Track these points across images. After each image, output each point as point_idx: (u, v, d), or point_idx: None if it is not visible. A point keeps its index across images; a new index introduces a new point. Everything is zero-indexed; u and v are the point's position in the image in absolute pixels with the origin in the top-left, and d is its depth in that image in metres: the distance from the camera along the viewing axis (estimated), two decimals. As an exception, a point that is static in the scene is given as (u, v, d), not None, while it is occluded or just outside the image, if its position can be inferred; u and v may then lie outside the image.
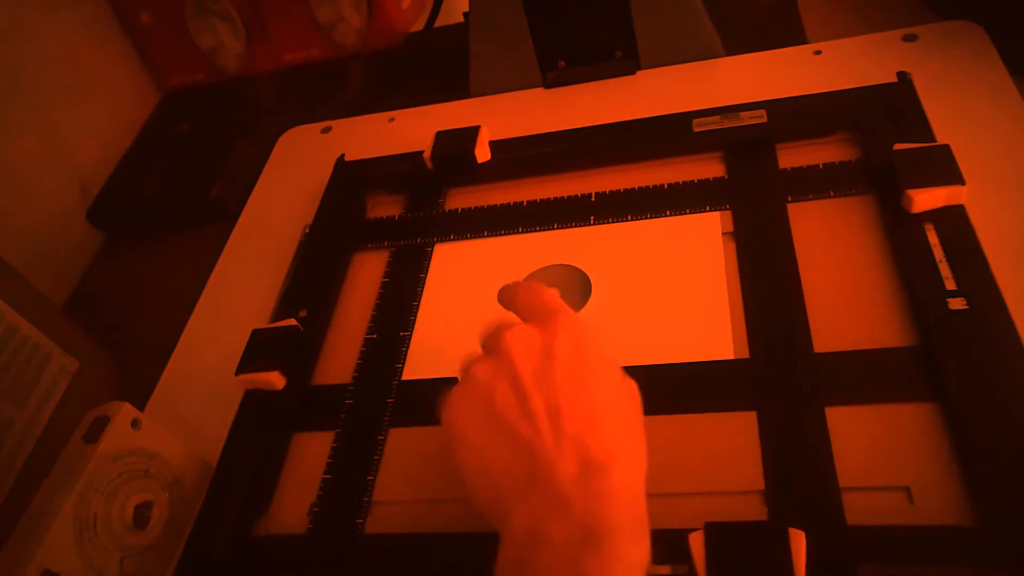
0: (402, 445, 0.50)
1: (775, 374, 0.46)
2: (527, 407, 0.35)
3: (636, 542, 0.33)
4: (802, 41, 0.71)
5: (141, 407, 0.58)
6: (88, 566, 0.43)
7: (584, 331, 0.38)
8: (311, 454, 0.51)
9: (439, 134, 0.65)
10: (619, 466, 0.34)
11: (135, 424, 0.48)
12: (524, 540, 0.33)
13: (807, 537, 0.37)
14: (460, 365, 0.40)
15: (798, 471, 0.42)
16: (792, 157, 0.58)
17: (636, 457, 0.36)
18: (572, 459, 0.34)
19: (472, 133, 0.64)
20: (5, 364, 0.60)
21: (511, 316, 0.41)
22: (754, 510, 0.42)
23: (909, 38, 0.64)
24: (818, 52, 0.66)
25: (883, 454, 0.42)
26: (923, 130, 0.54)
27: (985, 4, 0.63)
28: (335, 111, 0.81)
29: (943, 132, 0.54)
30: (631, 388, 0.38)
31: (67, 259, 0.84)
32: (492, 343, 0.39)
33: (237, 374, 0.54)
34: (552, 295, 0.40)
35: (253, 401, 0.54)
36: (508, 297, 0.43)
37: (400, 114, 0.76)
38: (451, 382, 0.52)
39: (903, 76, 0.59)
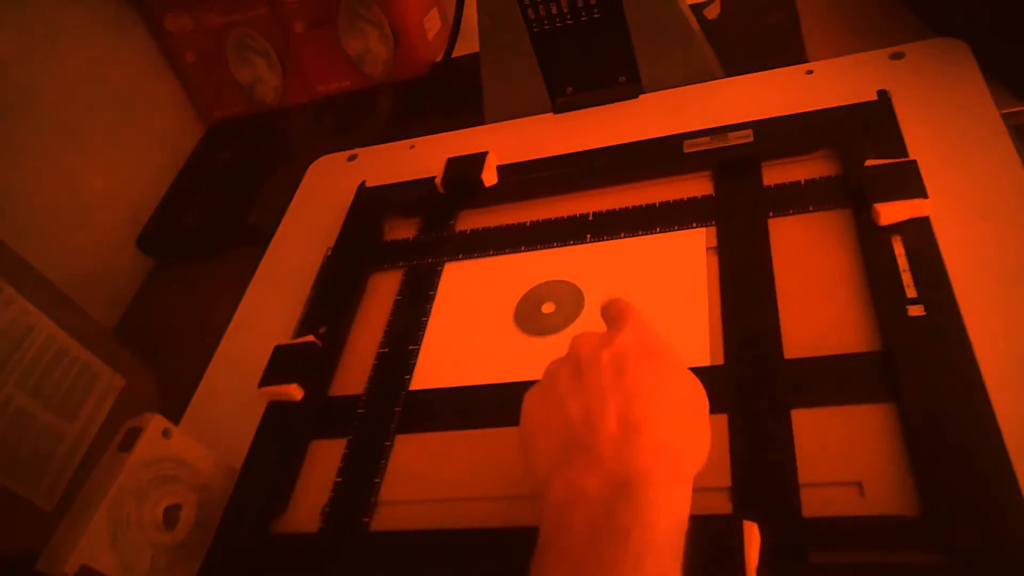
0: (407, 450, 0.55)
1: (746, 379, 0.49)
2: (580, 385, 0.39)
3: (671, 489, 0.36)
4: (803, 60, 0.74)
5: (180, 418, 0.64)
6: (121, 562, 0.48)
7: (648, 330, 0.42)
8: (325, 459, 0.56)
9: (450, 160, 0.70)
10: (658, 424, 0.37)
11: (166, 434, 0.53)
12: (562, 500, 0.36)
13: (765, 528, 0.41)
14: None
15: (762, 469, 0.45)
16: (777, 174, 0.61)
17: (684, 425, 0.39)
18: (612, 421, 0.37)
19: (480, 159, 0.68)
20: (56, 383, 0.66)
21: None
22: (720, 505, 0.45)
23: (896, 56, 0.66)
24: (810, 72, 0.69)
25: (840, 452, 0.45)
26: (897, 146, 0.57)
27: (975, 21, 0.65)
28: (363, 138, 0.86)
29: (919, 148, 0.57)
30: (692, 379, 0.41)
31: (119, 283, 0.91)
32: None
33: (260, 387, 0.59)
34: (623, 304, 0.44)
35: (274, 411, 0.59)
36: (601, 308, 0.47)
37: (420, 141, 0.80)
38: (453, 391, 0.57)
39: (882, 94, 0.61)
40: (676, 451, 0.37)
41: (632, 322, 0.42)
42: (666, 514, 0.35)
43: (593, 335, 0.42)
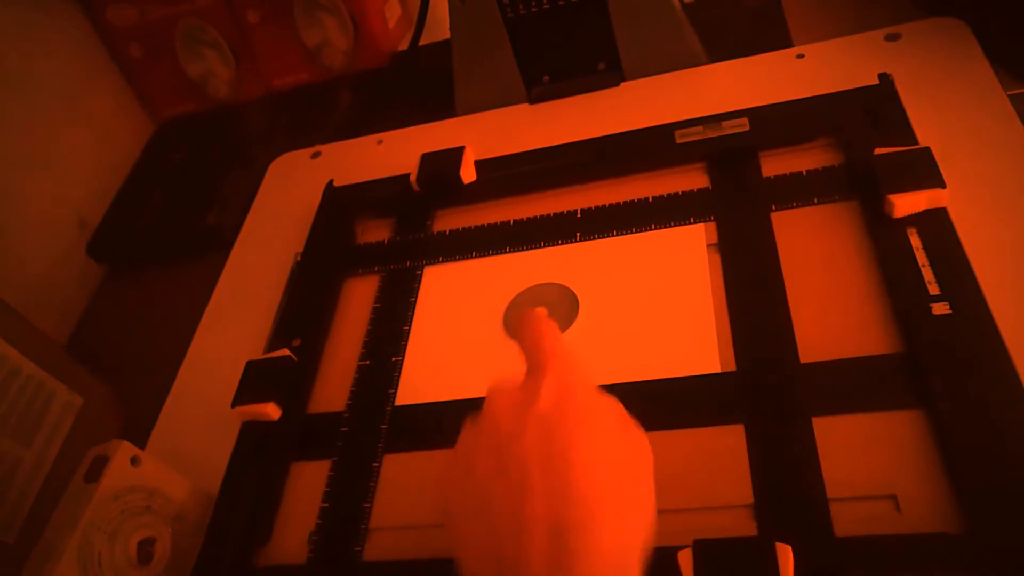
0: (397, 471, 0.51)
1: (762, 387, 0.46)
2: (503, 471, 0.34)
3: None
4: (788, 44, 0.71)
5: (146, 439, 0.59)
6: (93, 605, 0.44)
7: (574, 376, 0.37)
8: (309, 483, 0.52)
9: (424, 156, 0.66)
10: (598, 522, 0.32)
11: (134, 461, 0.48)
12: None
13: (796, 550, 0.38)
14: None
15: (786, 484, 0.42)
16: (776, 164, 0.58)
17: (628, 507, 0.34)
18: (542, 530, 0.32)
19: (457, 154, 0.64)
20: (10, 405, 0.61)
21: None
22: (744, 525, 0.42)
23: (892, 37, 0.64)
24: (801, 56, 0.66)
25: (870, 463, 0.42)
26: (905, 132, 0.54)
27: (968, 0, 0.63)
28: (326, 134, 0.81)
29: (926, 132, 0.54)
30: (633, 432, 0.36)
31: (70, 294, 0.85)
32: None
33: (233, 406, 0.55)
34: (552, 339, 0.38)
35: (250, 432, 0.55)
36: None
37: (388, 136, 0.76)
38: (442, 406, 0.53)
39: (884, 77, 0.59)
40: (625, 544, 0.33)
41: (553, 370, 0.36)
42: None
43: (511, 395, 0.36)
